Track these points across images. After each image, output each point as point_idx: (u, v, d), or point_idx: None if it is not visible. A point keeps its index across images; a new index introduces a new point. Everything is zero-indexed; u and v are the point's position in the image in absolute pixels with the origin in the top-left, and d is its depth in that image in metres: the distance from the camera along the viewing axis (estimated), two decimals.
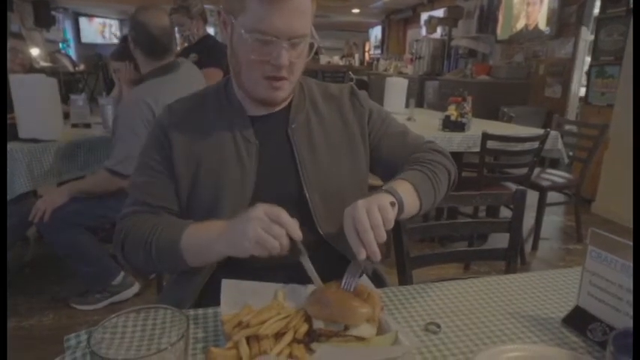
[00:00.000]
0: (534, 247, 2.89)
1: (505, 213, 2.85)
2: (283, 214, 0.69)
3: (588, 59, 4.22)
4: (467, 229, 2.09)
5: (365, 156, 0.97)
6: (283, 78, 0.84)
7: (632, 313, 0.64)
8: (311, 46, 0.85)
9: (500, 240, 1.30)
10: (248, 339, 0.60)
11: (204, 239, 0.77)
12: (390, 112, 1.05)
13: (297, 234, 0.70)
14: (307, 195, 0.88)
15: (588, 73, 4.09)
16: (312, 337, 0.62)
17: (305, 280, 0.74)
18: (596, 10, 4.16)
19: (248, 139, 0.90)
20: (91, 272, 2.02)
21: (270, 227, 0.68)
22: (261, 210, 0.69)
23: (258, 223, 0.68)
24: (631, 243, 0.64)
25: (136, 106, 1.75)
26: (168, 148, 0.88)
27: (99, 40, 10.87)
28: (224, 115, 0.91)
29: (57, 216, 1.86)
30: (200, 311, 0.74)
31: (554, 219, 3.48)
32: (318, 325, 0.62)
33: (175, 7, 2.80)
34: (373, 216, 0.69)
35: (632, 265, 0.64)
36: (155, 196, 0.88)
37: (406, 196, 0.79)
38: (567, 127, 3.29)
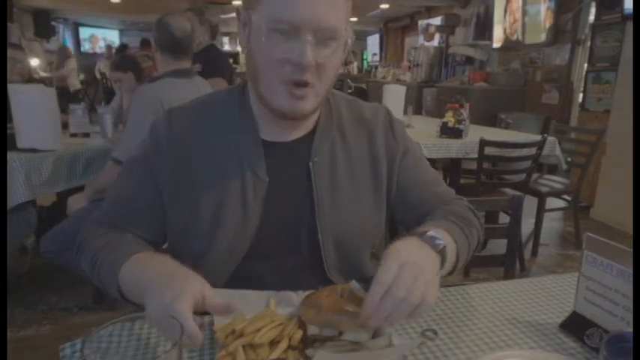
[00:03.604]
0: (534, 253, 2.88)
1: (505, 219, 2.85)
2: (187, 322, 0.54)
3: (585, 65, 4.25)
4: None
5: (387, 197, 0.84)
6: (307, 84, 0.69)
7: (628, 318, 0.63)
8: (345, 46, 0.71)
9: (499, 246, 1.30)
10: (243, 348, 0.60)
11: (133, 286, 0.67)
12: (423, 154, 0.91)
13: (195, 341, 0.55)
14: (321, 240, 0.77)
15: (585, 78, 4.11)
16: (307, 343, 0.62)
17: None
18: (592, 17, 4.19)
19: (257, 174, 0.76)
20: None
21: (161, 324, 0.56)
22: (160, 310, 0.56)
23: (159, 310, 0.57)
24: (626, 248, 0.64)
25: (150, 99, 1.79)
26: (157, 166, 0.78)
27: (98, 50, 10.94)
28: (233, 136, 0.77)
29: (58, 239, 1.86)
30: (196, 320, 0.73)
31: (553, 225, 3.47)
32: (312, 330, 0.62)
33: (190, 8, 2.86)
34: (413, 293, 0.56)
35: (628, 269, 0.64)
36: (126, 220, 0.79)
37: (449, 261, 0.68)
38: (565, 132, 3.31)
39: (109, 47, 9.05)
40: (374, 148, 0.83)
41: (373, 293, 0.57)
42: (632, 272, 0.63)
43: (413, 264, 0.58)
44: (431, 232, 0.67)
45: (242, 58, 9.99)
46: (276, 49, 0.67)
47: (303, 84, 0.69)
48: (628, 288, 0.63)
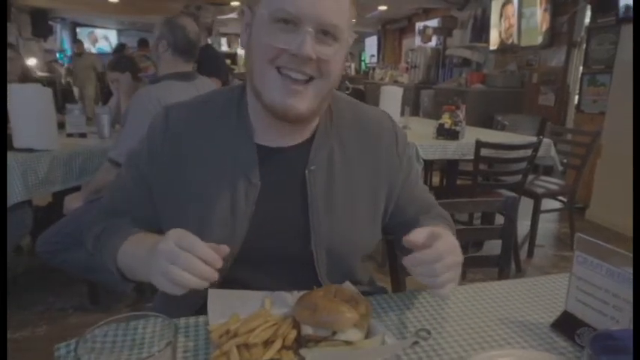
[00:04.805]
0: (529, 254, 2.89)
1: (501, 221, 2.85)
2: (197, 244, 0.59)
3: (580, 67, 4.28)
4: (459, 236, 2.10)
5: (383, 214, 0.84)
6: (306, 78, 0.69)
7: (617, 317, 0.64)
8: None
9: (494, 247, 1.31)
10: (237, 348, 0.60)
11: (132, 262, 0.72)
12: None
13: (217, 263, 0.59)
14: (314, 250, 0.76)
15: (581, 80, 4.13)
16: (300, 343, 0.62)
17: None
18: (587, 20, 4.22)
19: (249, 178, 0.74)
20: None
21: (178, 258, 0.58)
22: (171, 241, 0.60)
23: (164, 257, 0.59)
24: (616, 248, 0.65)
25: (149, 101, 1.78)
26: (152, 163, 0.79)
27: (95, 50, 10.92)
28: (228, 138, 0.76)
29: (54, 240, 1.86)
30: (191, 320, 0.74)
31: (549, 226, 3.49)
32: (306, 330, 0.63)
33: (185, 11, 2.86)
34: (445, 275, 0.65)
35: (617, 269, 0.64)
36: (123, 214, 0.81)
37: None
38: (561, 134, 3.33)
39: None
40: (375, 160, 0.82)
41: (435, 250, 0.64)
42: (620, 272, 0.64)
43: (458, 258, 0.69)
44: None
45: (240, 60, 10.01)
46: (276, 39, 0.67)
47: (302, 77, 0.68)
48: (617, 287, 0.64)
